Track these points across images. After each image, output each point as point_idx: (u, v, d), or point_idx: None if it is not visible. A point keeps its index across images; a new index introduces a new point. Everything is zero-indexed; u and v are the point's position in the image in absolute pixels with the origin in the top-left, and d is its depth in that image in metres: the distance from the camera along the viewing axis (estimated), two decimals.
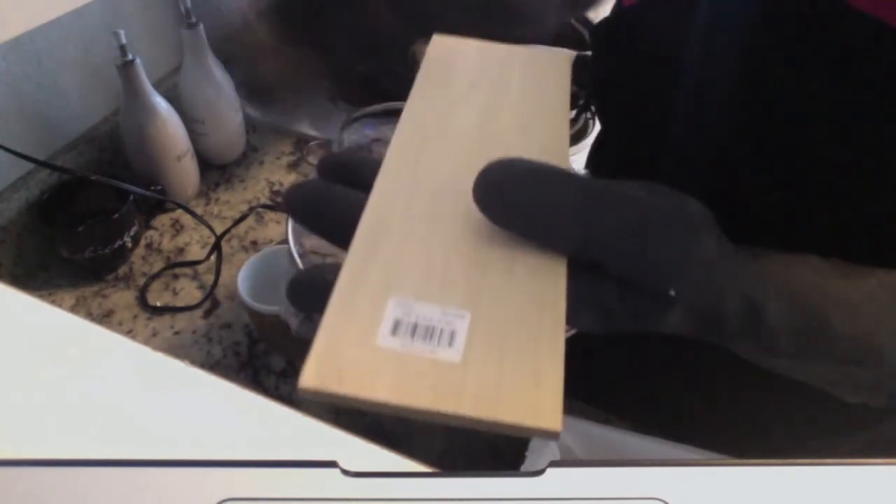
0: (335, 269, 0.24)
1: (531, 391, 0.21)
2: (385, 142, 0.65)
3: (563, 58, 0.36)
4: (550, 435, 0.20)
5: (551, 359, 0.22)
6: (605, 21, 0.48)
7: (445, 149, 0.29)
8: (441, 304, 0.23)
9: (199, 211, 0.85)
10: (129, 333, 0.73)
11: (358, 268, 0.24)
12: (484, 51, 0.36)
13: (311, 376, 0.21)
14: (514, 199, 0.24)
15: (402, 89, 0.33)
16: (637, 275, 0.25)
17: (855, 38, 0.31)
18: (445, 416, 0.20)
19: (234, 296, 0.77)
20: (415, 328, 0.22)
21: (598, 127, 0.70)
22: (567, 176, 0.25)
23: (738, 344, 0.29)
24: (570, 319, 0.23)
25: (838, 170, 0.35)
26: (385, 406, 0.20)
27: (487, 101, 0.32)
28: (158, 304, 0.76)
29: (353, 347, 0.21)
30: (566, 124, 0.31)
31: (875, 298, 0.29)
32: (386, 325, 0.22)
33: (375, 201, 0.26)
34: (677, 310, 0.26)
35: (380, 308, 0.22)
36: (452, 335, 0.22)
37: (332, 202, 0.27)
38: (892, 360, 0.29)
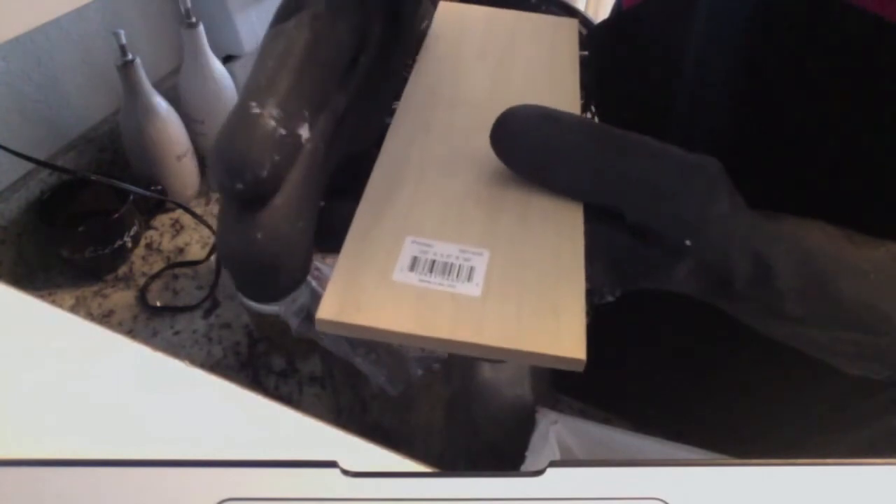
0: (351, 205, 0.24)
1: (552, 321, 0.21)
2: None
3: (569, 23, 0.36)
4: (574, 363, 0.20)
5: (571, 292, 0.22)
6: (605, 22, 0.48)
7: (456, 111, 0.29)
8: (457, 243, 0.23)
9: (199, 211, 0.85)
10: (129, 333, 0.73)
11: (372, 211, 0.24)
12: (491, 17, 0.36)
13: (329, 308, 0.20)
14: (532, 143, 0.24)
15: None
16: (653, 224, 0.25)
17: (855, 35, 0.31)
18: (465, 345, 0.20)
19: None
20: (433, 264, 0.22)
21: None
22: (587, 122, 0.25)
23: (742, 305, 0.29)
24: (586, 268, 0.23)
25: (838, 165, 0.35)
26: (404, 336, 0.20)
27: (496, 67, 0.32)
28: (158, 304, 0.76)
29: (371, 282, 0.21)
30: (577, 88, 0.31)
31: (884, 267, 0.29)
32: (403, 261, 0.22)
33: (387, 155, 0.26)
34: (688, 263, 0.26)
35: (397, 246, 0.22)
36: (471, 271, 0.22)
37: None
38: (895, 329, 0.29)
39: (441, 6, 0.36)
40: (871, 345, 0.30)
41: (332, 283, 0.21)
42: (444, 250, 0.22)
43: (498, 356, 0.20)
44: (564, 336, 0.20)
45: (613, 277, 0.26)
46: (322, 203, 0.25)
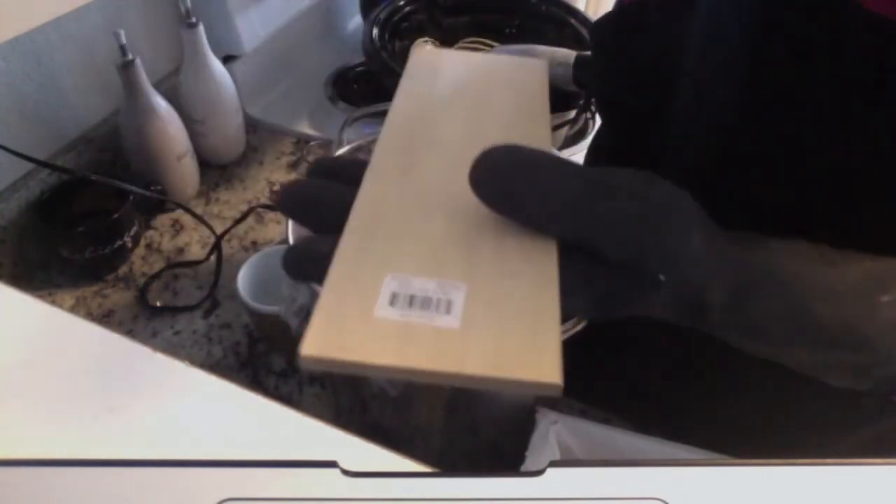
0: (331, 241, 0.25)
1: (530, 348, 0.21)
2: None
3: (540, 66, 0.37)
4: (552, 388, 0.21)
5: (547, 321, 0.22)
6: (606, 19, 0.48)
7: (432, 153, 0.29)
8: (436, 278, 0.23)
9: (199, 211, 0.85)
10: (129, 333, 0.73)
11: (353, 248, 0.24)
12: (464, 60, 0.37)
13: (312, 344, 0.21)
14: (511, 183, 0.25)
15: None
16: (630, 262, 0.26)
17: (865, 38, 0.31)
18: (449, 375, 0.21)
19: (234, 296, 0.77)
20: (412, 299, 0.23)
21: (598, 126, 0.70)
22: (565, 163, 0.25)
23: (722, 331, 0.29)
24: (561, 302, 0.24)
25: (839, 166, 0.35)
26: (388, 369, 0.21)
27: (470, 108, 0.33)
28: (158, 304, 0.76)
29: (353, 318, 0.22)
30: (548, 130, 0.32)
31: (860, 288, 0.29)
32: (384, 297, 0.23)
33: (366, 192, 0.27)
34: (665, 295, 0.27)
35: (377, 283, 0.23)
36: (449, 304, 0.23)
37: (325, 198, 0.28)
38: (879, 348, 0.29)
39: (415, 50, 0.37)
40: (855, 362, 0.30)
41: (315, 321, 0.22)
42: (422, 285, 0.23)
43: (478, 385, 0.21)
44: (544, 362, 0.21)
45: (588, 311, 0.27)
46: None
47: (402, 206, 0.26)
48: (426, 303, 0.22)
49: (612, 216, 0.25)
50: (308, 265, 0.26)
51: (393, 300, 0.22)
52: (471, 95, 0.34)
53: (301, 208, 0.28)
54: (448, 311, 0.22)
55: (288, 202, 0.28)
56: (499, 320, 0.22)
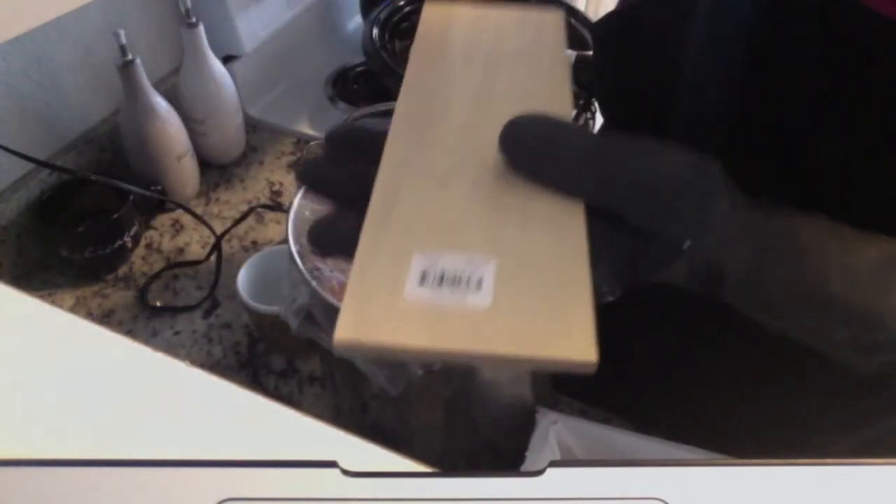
0: (354, 216, 0.24)
1: (563, 326, 0.21)
2: None
3: (555, 16, 0.36)
4: (586, 366, 0.20)
5: (579, 295, 0.22)
6: (607, 18, 0.48)
7: (448, 121, 0.29)
8: (465, 253, 0.23)
9: (199, 211, 0.85)
10: (129, 333, 0.73)
11: (378, 226, 0.24)
12: (476, 17, 0.36)
13: (346, 329, 0.21)
14: (540, 148, 0.25)
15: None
16: (653, 226, 0.26)
17: (865, 35, 0.31)
18: (482, 356, 0.21)
19: (234, 296, 0.77)
20: (442, 277, 0.22)
21: (598, 126, 0.70)
22: (589, 130, 0.26)
23: (737, 300, 0.29)
24: None
25: (839, 163, 0.35)
26: (421, 352, 0.21)
27: (485, 69, 0.32)
28: (158, 304, 0.76)
29: (384, 300, 0.22)
30: (567, 84, 0.31)
31: (876, 268, 0.29)
32: (413, 276, 0.22)
33: (387, 167, 0.27)
34: (686, 262, 0.27)
35: (405, 262, 0.23)
36: (480, 281, 0.22)
37: (346, 171, 0.28)
38: (889, 329, 0.29)
39: (426, 8, 0.36)
40: (863, 341, 0.30)
41: (346, 305, 0.21)
42: (451, 262, 0.23)
43: (512, 365, 0.21)
44: (576, 339, 0.21)
45: (613, 277, 0.27)
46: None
47: (424, 179, 0.26)
48: (456, 280, 0.22)
49: (642, 180, 0.25)
50: (333, 241, 0.26)
51: (423, 279, 0.22)
52: (486, 54, 0.33)
53: (322, 183, 0.28)
54: (478, 288, 0.22)
55: (308, 176, 0.28)
56: (529, 296, 0.22)
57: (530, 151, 0.25)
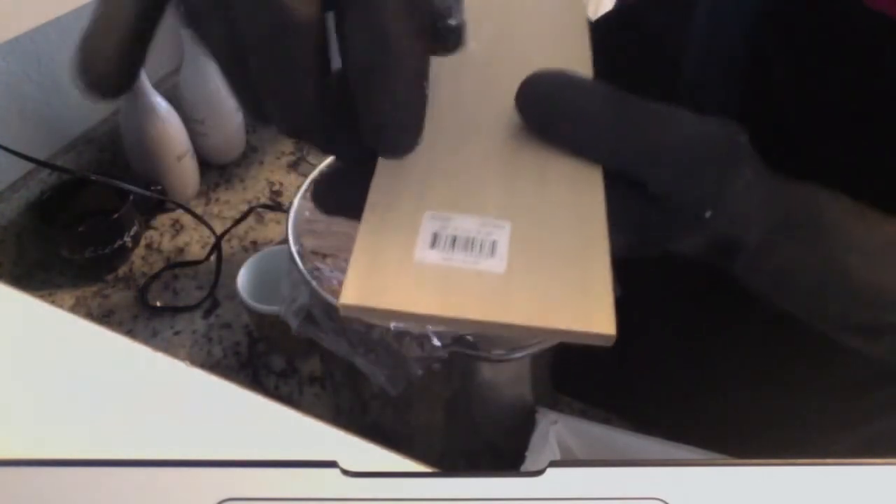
0: (360, 172, 0.23)
1: (580, 296, 0.20)
2: None
3: None
4: (604, 339, 0.19)
5: (597, 263, 0.21)
6: (607, 18, 0.48)
7: (460, 76, 0.27)
8: (478, 216, 0.22)
9: (199, 211, 0.85)
10: (129, 333, 0.73)
11: (386, 186, 0.23)
12: None
13: (352, 293, 0.20)
14: (558, 106, 0.24)
15: None
16: (675, 194, 0.24)
17: (867, 36, 0.31)
18: (494, 325, 0.20)
19: (234, 296, 0.77)
20: (454, 240, 0.21)
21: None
22: (616, 91, 0.24)
23: (751, 274, 0.28)
24: None
25: (840, 161, 0.35)
26: (431, 318, 0.19)
27: (498, 25, 0.30)
28: (158, 304, 0.76)
29: (393, 263, 0.20)
30: (586, 41, 0.30)
31: (894, 248, 0.28)
32: (423, 238, 0.21)
33: None
34: (703, 232, 0.26)
35: (415, 223, 0.21)
36: (494, 245, 0.21)
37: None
38: None
39: None
40: (876, 324, 0.29)
41: (353, 266, 0.20)
42: (464, 224, 0.21)
43: (526, 335, 0.20)
44: (594, 311, 0.20)
45: (625, 244, 0.25)
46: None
47: (435, 136, 0.24)
48: (469, 244, 0.21)
49: (666, 145, 0.24)
50: (338, 200, 0.24)
51: (434, 241, 0.21)
52: (498, 8, 0.31)
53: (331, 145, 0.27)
54: (492, 253, 0.21)
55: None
56: (546, 263, 0.21)
57: (548, 111, 0.24)
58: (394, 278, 0.20)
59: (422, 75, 0.20)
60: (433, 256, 0.21)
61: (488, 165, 0.24)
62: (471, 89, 0.26)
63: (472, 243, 0.21)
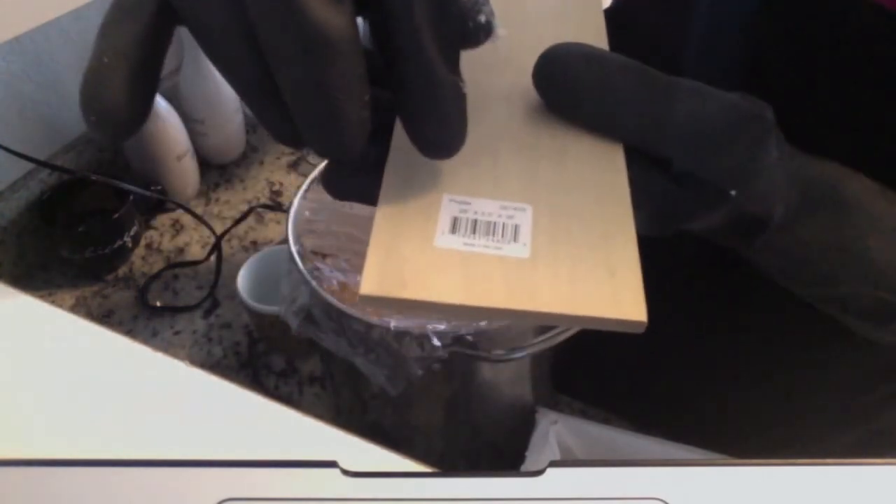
0: (375, 151, 0.22)
1: (608, 281, 0.19)
2: None
3: None
4: (635, 325, 0.19)
5: (624, 247, 0.20)
6: (605, 12, 0.48)
7: (474, 55, 0.27)
8: (498, 199, 0.21)
9: (199, 211, 0.85)
10: (129, 333, 0.73)
11: (402, 168, 0.22)
12: None
13: (372, 283, 0.19)
14: (578, 82, 0.23)
15: None
16: (700, 172, 0.24)
17: (869, 30, 0.31)
18: (520, 313, 0.19)
19: (234, 296, 0.77)
20: (475, 224, 0.20)
21: None
22: (634, 62, 0.24)
23: (768, 255, 0.28)
24: None
25: (842, 157, 0.35)
26: (455, 308, 0.19)
27: (511, 1, 0.29)
28: (158, 304, 0.76)
29: (413, 250, 0.19)
30: (600, 13, 0.29)
31: None
32: (443, 223, 0.20)
33: None
34: (726, 211, 0.25)
35: (434, 206, 0.21)
36: (516, 229, 0.20)
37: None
38: None
39: None
40: (890, 308, 0.29)
41: (372, 254, 0.19)
42: (484, 208, 0.21)
43: (554, 322, 0.19)
44: (623, 297, 0.19)
45: (648, 222, 0.25)
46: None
47: None
48: (491, 228, 0.20)
49: (692, 122, 0.23)
50: (350, 185, 0.23)
51: (454, 226, 0.20)
52: None
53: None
54: (515, 237, 0.20)
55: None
56: (570, 246, 0.20)
57: (567, 87, 0.23)
58: (414, 266, 0.19)
59: (460, 82, 0.19)
60: (454, 242, 0.20)
61: (505, 146, 0.23)
62: (484, 64, 0.25)
63: (494, 227, 0.20)
